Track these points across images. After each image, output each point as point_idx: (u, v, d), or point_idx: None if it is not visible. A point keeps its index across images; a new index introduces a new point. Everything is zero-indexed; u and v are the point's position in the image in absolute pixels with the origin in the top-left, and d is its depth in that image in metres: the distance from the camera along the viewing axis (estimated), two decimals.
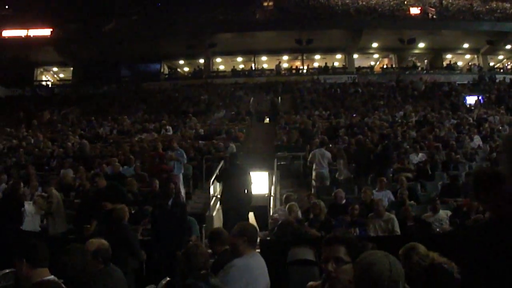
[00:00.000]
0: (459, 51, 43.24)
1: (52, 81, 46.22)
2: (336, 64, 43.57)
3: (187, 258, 4.47)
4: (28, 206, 10.70)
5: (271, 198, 13.07)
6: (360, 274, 2.41)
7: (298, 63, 44.46)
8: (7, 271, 6.11)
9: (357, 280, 2.42)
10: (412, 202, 11.25)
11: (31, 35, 41.87)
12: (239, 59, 44.91)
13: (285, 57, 44.41)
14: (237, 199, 10.37)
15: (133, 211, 10.57)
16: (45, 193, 11.53)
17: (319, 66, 42.99)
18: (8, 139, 22.45)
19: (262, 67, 44.42)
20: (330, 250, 2.97)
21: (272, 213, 11.61)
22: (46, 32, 41.69)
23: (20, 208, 10.63)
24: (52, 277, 3.65)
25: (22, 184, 11.97)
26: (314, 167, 14.24)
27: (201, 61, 43.78)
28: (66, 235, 10.10)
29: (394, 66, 43.40)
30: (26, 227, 10.32)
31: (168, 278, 5.78)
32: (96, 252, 4.82)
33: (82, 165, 15.37)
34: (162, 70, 44.70)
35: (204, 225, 10.52)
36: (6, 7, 42.88)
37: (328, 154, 14.33)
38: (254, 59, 44.46)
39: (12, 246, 3.84)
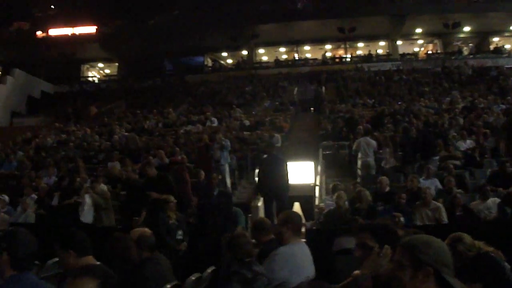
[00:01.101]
0: (507, 34, 41.92)
1: (98, 76, 46.99)
2: (380, 51, 42.95)
3: (231, 246, 4.50)
4: (88, 199, 10.94)
5: (317, 188, 13.03)
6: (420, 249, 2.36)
7: (341, 52, 44.04)
8: (56, 259, 6.29)
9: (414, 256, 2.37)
10: (460, 190, 11.04)
11: (77, 33, 42.69)
12: (282, 49, 44.76)
13: (328, 46, 44.00)
14: (275, 189, 10.34)
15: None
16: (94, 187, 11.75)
17: (362, 54, 42.56)
18: (57, 133, 23.02)
19: (305, 56, 44.15)
20: (357, 237, 3.06)
21: (318, 203, 11.59)
22: (91, 29, 42.42)
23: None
24: (98, 263, 3.73)
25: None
26: (359, 156, 14.13)
27: (244, 52, 43.81)
28: (115, 227, 10.28)
29: (439, 51, 42.48)
30: (83, 219, 10.59)
31: (213, 267, 5.84)
32: (139, 241, 4.90)
33: (129, 157, 15.63)
34: (205, 62, 44.92)
35: (249, 215, 10.58)
36: (52, 7, 43.69)
37: (374, 143, 14.18)
38: (297, 49, 44.29)
39: (56, 236, 3.93)
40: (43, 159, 17.98)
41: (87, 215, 10.74)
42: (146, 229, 5.20)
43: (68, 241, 3.84)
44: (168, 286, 4.69)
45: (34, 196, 13.12)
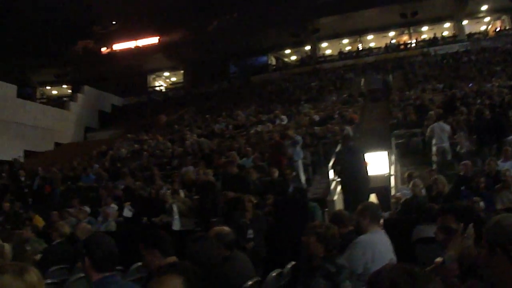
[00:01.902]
0: None
1: (165, 85, 47.85)
2: (445, 33, 41.98)
3: (322, 238, 4.48)
4: (175, 208, 11.20)
5: (392, 177, 12.88)
6: None
7: (405, 38, 43.25)
8: (140, 264, 6.47)
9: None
10: None
11: (140, 45, 43.78)
12: (345, 41, 44.40)
13: (392, 33, 43.34)
14: (355, 181, 10.30)
15: (255, 201, 10.80)
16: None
17: (427, 38, 41.73)
18: (130, 144, 23.60)
19: (369, 46, 43.66)
20: (439, 220, 3.01)
21: (394, 193, 11.46)
22: (153, 40, 43.36)
23: (162, 207, 11.27)
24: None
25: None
26: (433, 142, 13.87)
27: (307, 48, 43.73)
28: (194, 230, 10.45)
29: (508, 27, 41.10)
30: (176, 227, 10.86)
31: (293, 262, 5.87)
32: (217, 239, 4.97)
33: (202, 161, 15.87)
34: (269, 62, 45.05)
35: (326, 209, 10.55)
36: (113, 22, 44.82)
37: (447, 128, 13.88)
38: (360, 39, 43.83)
39: (143, 236, 4.06)
40: (118, 170, 18.50)
41: (176, 224, 10.99)
42: (225, 228, 5.27)
43: (154, 240, 3.99)
44: (250, 282, 4.76)
45: (113, 206, 13.53)
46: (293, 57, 46.07)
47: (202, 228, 9.32)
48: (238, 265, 4.89)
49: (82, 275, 5.97)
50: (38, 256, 7.79)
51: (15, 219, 13.55)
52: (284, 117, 22.27)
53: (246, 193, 8.65)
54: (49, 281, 5.57)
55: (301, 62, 43.72)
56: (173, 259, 3.86)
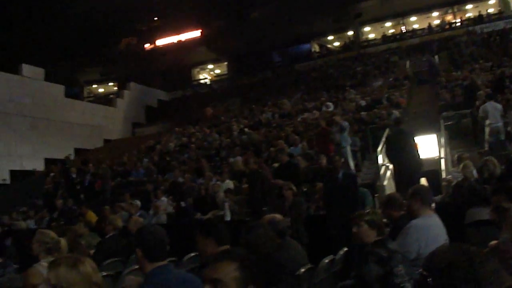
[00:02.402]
0: None
1: (209, 78, 48.14)
2: (491, 10, 40.99)
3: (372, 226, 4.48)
4: (227, 205, 11.38)
5: (442, 160, 12.74)
6: None
7: (449, 17, 42.37)
8: (193, 254, 6.59)
9: None
10: None
11: (183, 39, 44.10)
12: (388, 24, 43.75)
13: (435, 14, 42.54)
14: (407, 165, 10.25)
15: (305, 189, 10.85)
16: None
17: (472, 16, 40.82)
18: (178, 138, 23.90)
19: (413, 28, 43.01)
20: (492, 200, 3.00)
21: (445, 176, 11.34)
22: (196, 33, 43.64)
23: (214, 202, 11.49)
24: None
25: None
26: (487, 122, 13.63)
27: (350, 33, 43.39)
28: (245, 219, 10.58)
29: None
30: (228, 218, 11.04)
31: (346, 249, 5.89)
32: (270, 227, 4.99)
33: (250, 151, 16.00)
34: (312, 49, 44.87)
35: (376, 195, 10.54)
36: (155, 18, 45.30)
37: (500, 106, 13.58)
38: (403, 21, 43.16)
39: (198, 225, 4.13)
40: (167, 163, 18.80)
41: (228, 215, 11.15)
42: (277, 215, 5.32)
43: (209, 229, 4.06)
44: (302, 270, 4.81)
45: (164, 199, 13.79)
46: (336, 43, 45.72)
47: (253, 218, 9.43)
48: (291, 252, 4.95)
49: (137, 266, 6.14)
50: (93, 250, 8.02)
51: (68, 215, 13.95)
52: (330, 103, 22.16)
53: (296, 181, 8.70)
54: (104, 273, 5.71)
55: (344, 47, 43.38)
56: (227, 247, 3.93)
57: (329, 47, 45.67)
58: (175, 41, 44.34)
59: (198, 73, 48.51)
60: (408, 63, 29.28)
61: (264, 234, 4.67)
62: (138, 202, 13.17)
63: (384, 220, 5.30)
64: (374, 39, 43.24)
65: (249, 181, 11.03)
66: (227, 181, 13.47)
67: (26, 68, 29.85)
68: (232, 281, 2.26)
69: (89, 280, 2.65)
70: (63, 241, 5.05)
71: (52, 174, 22.53)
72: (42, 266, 4.64)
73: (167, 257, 3.49)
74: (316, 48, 45.22)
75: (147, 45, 45.46)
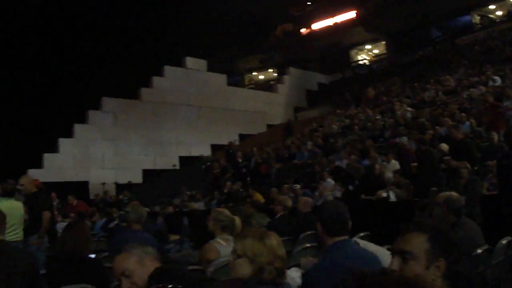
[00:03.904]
0: None
1: (368, 58, 47.55)
2: None
3: None
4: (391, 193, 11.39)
5: None
6: None
7: None
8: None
9: None
10: None
11: (338, 21, 43.90)
12: None
13: None
14: None
15: (475, 168, 10.50)
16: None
17: None
18: (340, 120, 23.95)
19: None
20: None
21: None
22: (351, 14, 43.24)
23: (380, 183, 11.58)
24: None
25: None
26: None
27: None
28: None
29: None
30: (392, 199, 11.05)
31: None
32: (446, 205, 4.90)
33: (415, 130, 15.74)
34: (473, 20, 42.73)
35: None
36: (309, 3, 45.53)
37: None
38: None
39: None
40: (332, 145, 18.96)
41: (392, 196, 11.10)
42: (453, 193, 5.22)
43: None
44: (479, 250, 4.71)
45: (329, 180, 13.97)
46: (499, 12, 43.13)
47: (421, 198, 9.32)
48: (467, 232, 4.85)
49: (307, 245, 6.33)
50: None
51: (235, 197, 14.53)
52: (496, 77, 21.05)
53: (470, 160, 8.46)
54: None
55: (508, 16, 40.80)
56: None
57: (491, 17, 43.22)
58: (331, 23, 44.29)
59: (356, 54, 48.04)
60: None
61: (439, 213, 4.65)
62: (298, 186, 13.61)
63: None
64: None
65: (418, 161, 10.85)
66: (393, 161, 13.36)
67: (189, 61, 31.66)
68: (423, 253, 2.27)
69: (273, 252, 2.78)
70: (237, 219, 5.33)
71: (219, 159, 23.71)
72: (218, 242, 4.98)
73: (348, 233, 3.52)
74: (476, 19, 42.92)
75: (303, 30, 45.81)
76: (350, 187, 12.59)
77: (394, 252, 2.36)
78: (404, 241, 2.34)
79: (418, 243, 2.31)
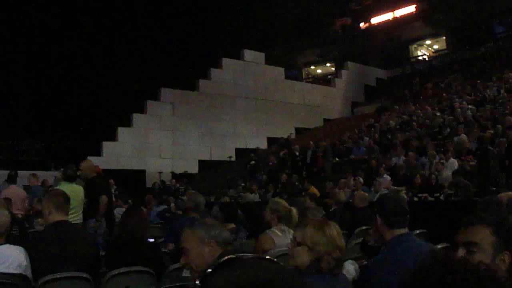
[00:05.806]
0: None
1: (427, 54, 46.78)
2: None
3: None
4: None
5: None
6: None
7: None
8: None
9: None
10: None
11: (398, 16, 43.28)
12: None
13: None
14: None
15: None
16: None
17: None
18: (398, 116, 23.70)
19: None
20: None
21: None
22: (410, 9, 42.51)
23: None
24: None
25: None
26: None
27: None
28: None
29: None
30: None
31: None
32: (509, 205, 4.80)
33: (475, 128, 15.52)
34: None
35: None
36: None
37: None
38: None
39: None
40: (389, 142, 18.81)
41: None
42: None
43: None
44: None
45: (386, 176, 13.91)
46: None
47: (481, 197, 9.20)
48: None
49: (359, 240, 6.35)
50: None
51: (290, 189, 14.59)
52: None
53: None
54: None
55: None
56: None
57: None
58: (390, 18, 43.70)
59: (416, 49, 47.25)
60: None
61: (501, 212, 4.60)
62: (361, 179, 13.52)
63: None
64: None
65: (478, 159, 10.70)
66: (452, 159, 13.19)
67: (247, 53, 31.81)
68: (489, 245, 2.26)
69: (333, 242, 2.84)
70: (294, 211, 5.37)
71: (276, 152, 23.81)
72: (274, 232, 5.03)
73: (408, 226, 3.48)
74: None
75: (362, 24, 45.39)
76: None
77: (458, 244, 2.34)
78: (469, 233, 2.33)
79: (484, 235, 2.29)
